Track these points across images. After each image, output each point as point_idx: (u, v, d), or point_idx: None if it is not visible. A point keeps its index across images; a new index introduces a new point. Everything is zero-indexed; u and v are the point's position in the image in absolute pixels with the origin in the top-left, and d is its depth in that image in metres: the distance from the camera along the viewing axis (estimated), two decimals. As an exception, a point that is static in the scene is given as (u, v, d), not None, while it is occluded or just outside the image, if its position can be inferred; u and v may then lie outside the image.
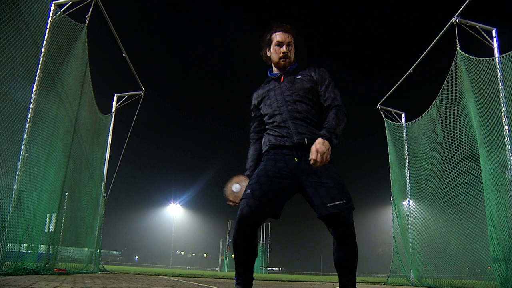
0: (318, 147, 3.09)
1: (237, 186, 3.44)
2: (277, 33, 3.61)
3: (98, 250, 12.68)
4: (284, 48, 3.55)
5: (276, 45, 3.59)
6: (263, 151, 3.54)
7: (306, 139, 3.30)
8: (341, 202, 3.14)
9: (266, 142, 3.50)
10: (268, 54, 3.69)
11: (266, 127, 3.56)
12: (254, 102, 3.71)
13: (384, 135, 14.33)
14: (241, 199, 3.21)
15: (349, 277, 3.19)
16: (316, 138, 3.19)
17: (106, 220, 13.73)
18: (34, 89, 7.30)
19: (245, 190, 3.24)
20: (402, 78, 12.35)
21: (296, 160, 3.29)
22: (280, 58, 3.57)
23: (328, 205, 3.14)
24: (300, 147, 3.31)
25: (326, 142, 3.14)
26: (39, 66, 7.46)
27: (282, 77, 3.56)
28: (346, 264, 3.22)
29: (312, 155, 3.08)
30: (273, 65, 3.68)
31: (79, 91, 9.65)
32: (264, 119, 3.61)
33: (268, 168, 3.31)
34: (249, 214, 3.09)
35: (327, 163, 3.18)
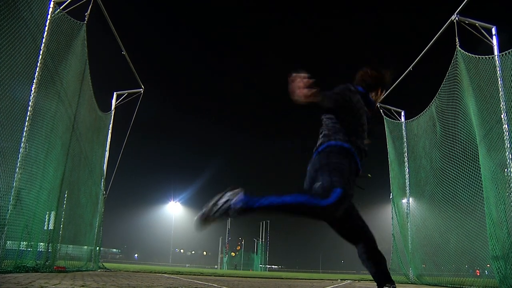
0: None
1: None
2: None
3: (98, 248, 12.69)
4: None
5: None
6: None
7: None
8: None
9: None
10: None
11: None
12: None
13: (383, 133, 14.33)
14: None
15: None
16: None
17: (105, 218, 13.75)
18: (33, 87, 7.30)
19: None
20: (402, 76, 12.33)
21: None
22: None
23: None
24: None
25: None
26: (38, 64, 7.45)
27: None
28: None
29: None
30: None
31: (78, 89, 9.64)
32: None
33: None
34: None
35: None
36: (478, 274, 10.75)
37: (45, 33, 7.68)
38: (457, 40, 8.88)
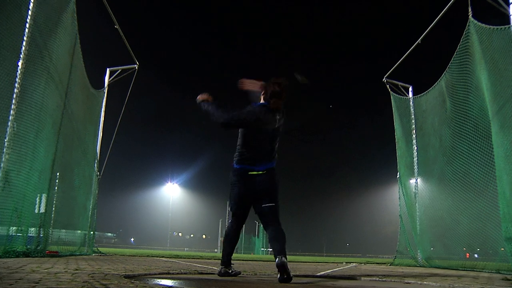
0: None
1: None
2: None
3: (92, 232, 12.71)
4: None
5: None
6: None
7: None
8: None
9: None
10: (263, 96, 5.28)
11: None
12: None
13: (390, 110, 14.27)
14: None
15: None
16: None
17: (99, 201, 13.75)
18: (20, 62, 7.19)
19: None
20: (410, 49, 12.23)
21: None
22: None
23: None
24: None
25: None
26: (25, 38, 7.33)
27: None
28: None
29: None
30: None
31: (69, 64, 9.53)
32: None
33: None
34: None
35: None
36: (468, 256, 10.77)
37: (31, 4, 7.55)
38: (469, 9, 8.73)
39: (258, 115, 5.04)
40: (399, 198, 13.31)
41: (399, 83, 13.57)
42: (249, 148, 5.15)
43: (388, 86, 13.97)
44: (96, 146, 13.27)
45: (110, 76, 13.97)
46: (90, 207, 12.59)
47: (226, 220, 64.88)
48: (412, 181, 12.75)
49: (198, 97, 5.28)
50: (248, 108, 5.17)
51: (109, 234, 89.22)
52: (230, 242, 5.18)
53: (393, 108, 14.13)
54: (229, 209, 5.23)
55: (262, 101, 5.23)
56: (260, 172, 5.04)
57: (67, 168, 10.39)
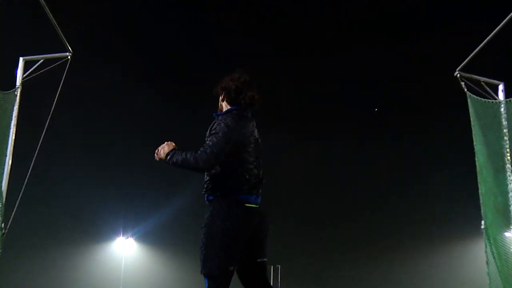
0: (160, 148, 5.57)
1: None
2: None
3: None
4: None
5: None
6: None
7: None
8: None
9: None
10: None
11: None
12: None
13: (466, 119, 14.11)
14: None
15: None
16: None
17: (5, 269, 13.51)
18: None
19: None
20: (498, 28, 12.07)
21: None
22: None
23: None
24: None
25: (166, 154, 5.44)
26: None
27: None
28: None
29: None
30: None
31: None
32: None
33: None
34: None
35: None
36: None
37: None
38: None
39: (240, 131, 5.36)
40: (487, 262, 13.04)
41: (482, 79, 13.42)
42: (243, 168, 5.35)
43: (463, 83, 13.80)
44: (1, 181, 13.03)
45: (25, 70, 13.77)
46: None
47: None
48: (509, 234, 12.49)
49: (157, 154, 5.65)
50: (222, 128, 5.32)
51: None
52: None
53: (471, 118, 13.92)
54: (212, 272, 5.32)
55: (225, 107, 5.75)
56: (255, 206, 5.28)
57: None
